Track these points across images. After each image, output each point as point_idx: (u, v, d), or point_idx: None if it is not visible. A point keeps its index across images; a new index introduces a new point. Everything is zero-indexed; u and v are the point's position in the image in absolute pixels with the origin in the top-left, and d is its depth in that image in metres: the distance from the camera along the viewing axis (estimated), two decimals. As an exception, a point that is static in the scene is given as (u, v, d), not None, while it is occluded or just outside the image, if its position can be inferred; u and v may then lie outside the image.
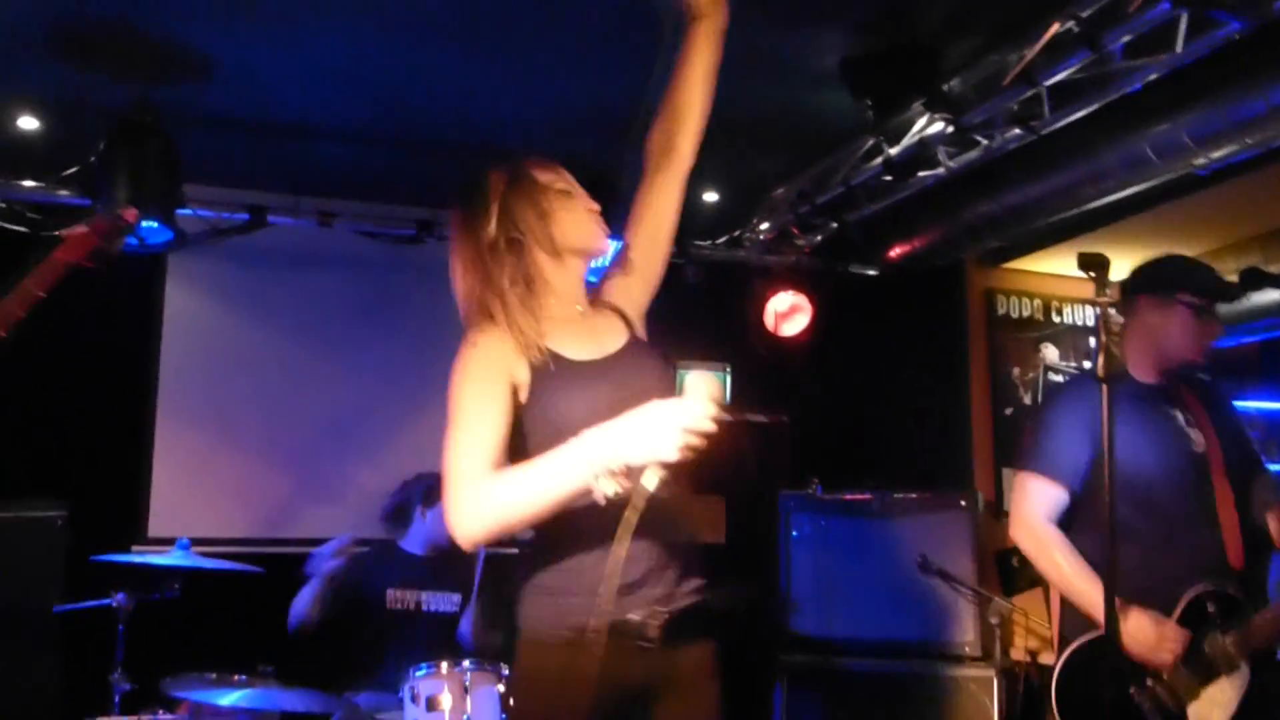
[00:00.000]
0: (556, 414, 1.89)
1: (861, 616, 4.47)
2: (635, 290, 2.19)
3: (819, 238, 5.02)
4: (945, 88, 3.72)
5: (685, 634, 1.94)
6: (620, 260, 2.21)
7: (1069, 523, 2.67)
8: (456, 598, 4.05)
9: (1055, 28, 3.29)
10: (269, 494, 4.85)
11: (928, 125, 3.88)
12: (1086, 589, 2.53)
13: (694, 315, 5.32)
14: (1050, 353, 5.38)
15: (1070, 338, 5.40)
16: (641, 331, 2.16)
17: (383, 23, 3.48)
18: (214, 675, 3.34)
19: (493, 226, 1.99)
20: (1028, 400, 5.33)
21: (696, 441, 1.68)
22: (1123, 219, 4.34)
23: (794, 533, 4.78)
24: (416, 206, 4.85)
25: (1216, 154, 3.59)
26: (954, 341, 5.34)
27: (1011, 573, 4.96)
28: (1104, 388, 2.20)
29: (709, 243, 5.17)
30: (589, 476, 1.71)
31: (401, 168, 4.68)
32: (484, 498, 1.80)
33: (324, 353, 5.00)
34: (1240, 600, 2.54)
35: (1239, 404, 4.55)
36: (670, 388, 1.99)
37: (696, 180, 4.76)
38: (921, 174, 4.14)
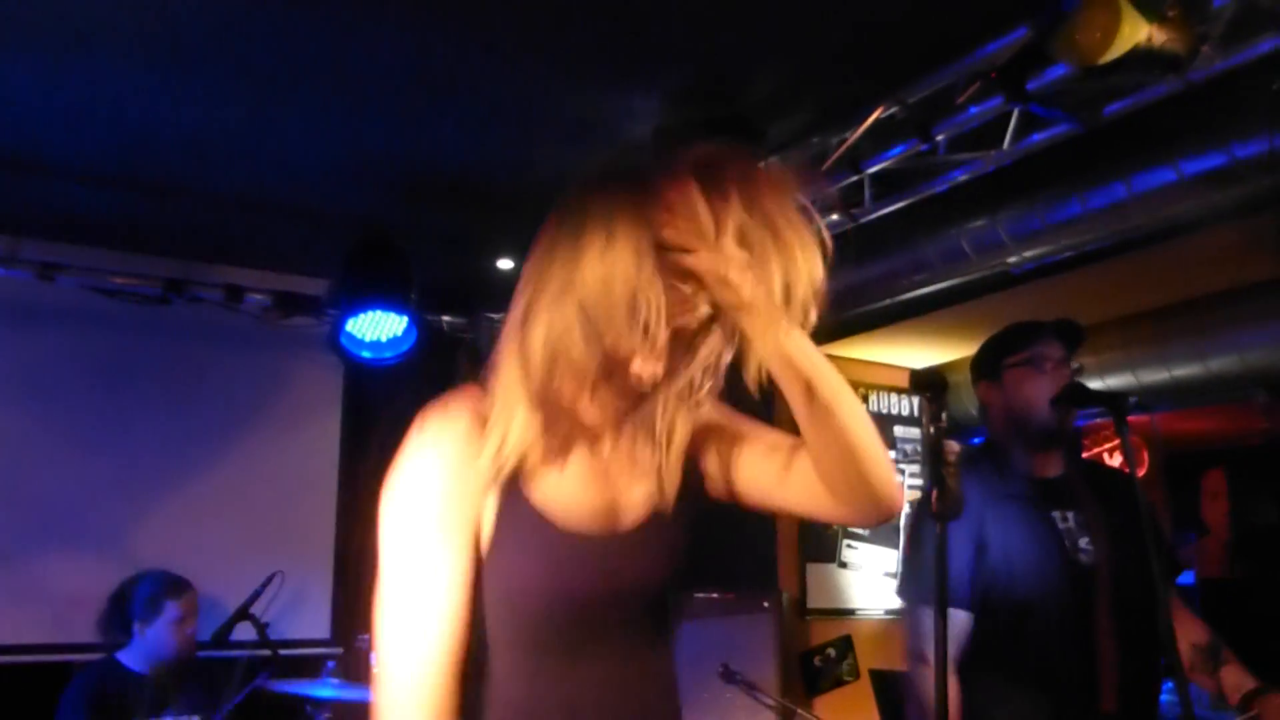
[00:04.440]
0: (509, 591, 1.27)
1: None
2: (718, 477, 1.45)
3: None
4: (763, 166, 3.48)
5: None
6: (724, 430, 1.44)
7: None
8: (195, 720, 3.47)
9: (879, 112, 3.11)
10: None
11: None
12: None
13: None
14: (856, 442, 5.22)
15: (877, 426, 5.25)
16: (671, 498, 1.39)
17: (136, 51, 2.93)
18: None
19: (543, 263, 1.26)
20: (832, 490, 5.13)
21: None
22: (932, 311, 4.22)
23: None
24: (164, 259, 4.22)
25: (1030, 253, 3.51)
26: (760, 428, 5.10)
27: (815, 674, 4.74)
28: (939, 528, 1.92)
29: (502, 315, 4.75)
30: None
31: (149, 214, 4.05)
32: None
33: (40, 428, 4.25)
34: None
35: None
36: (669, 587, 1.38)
37: (491, 247, 4.48)
38: (733, 255, 3.87)
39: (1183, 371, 4.29)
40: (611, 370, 1.23)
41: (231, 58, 2.98)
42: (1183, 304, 4.22)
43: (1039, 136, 2.92)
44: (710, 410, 1.41)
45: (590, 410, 1.28)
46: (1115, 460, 6.59)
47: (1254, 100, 2.68)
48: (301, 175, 3.75)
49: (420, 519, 1.24)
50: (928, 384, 2.73)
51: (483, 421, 1.28)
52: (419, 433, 1.27)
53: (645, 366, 1.21)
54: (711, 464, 1.43)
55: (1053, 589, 2.34)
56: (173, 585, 3.52)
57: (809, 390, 1.24)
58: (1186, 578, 6.05)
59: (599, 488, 1.35)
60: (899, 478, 1.29)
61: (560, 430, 1.31)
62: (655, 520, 1.37)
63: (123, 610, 3.49)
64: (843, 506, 1.33)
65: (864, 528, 1.21)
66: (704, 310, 1.23)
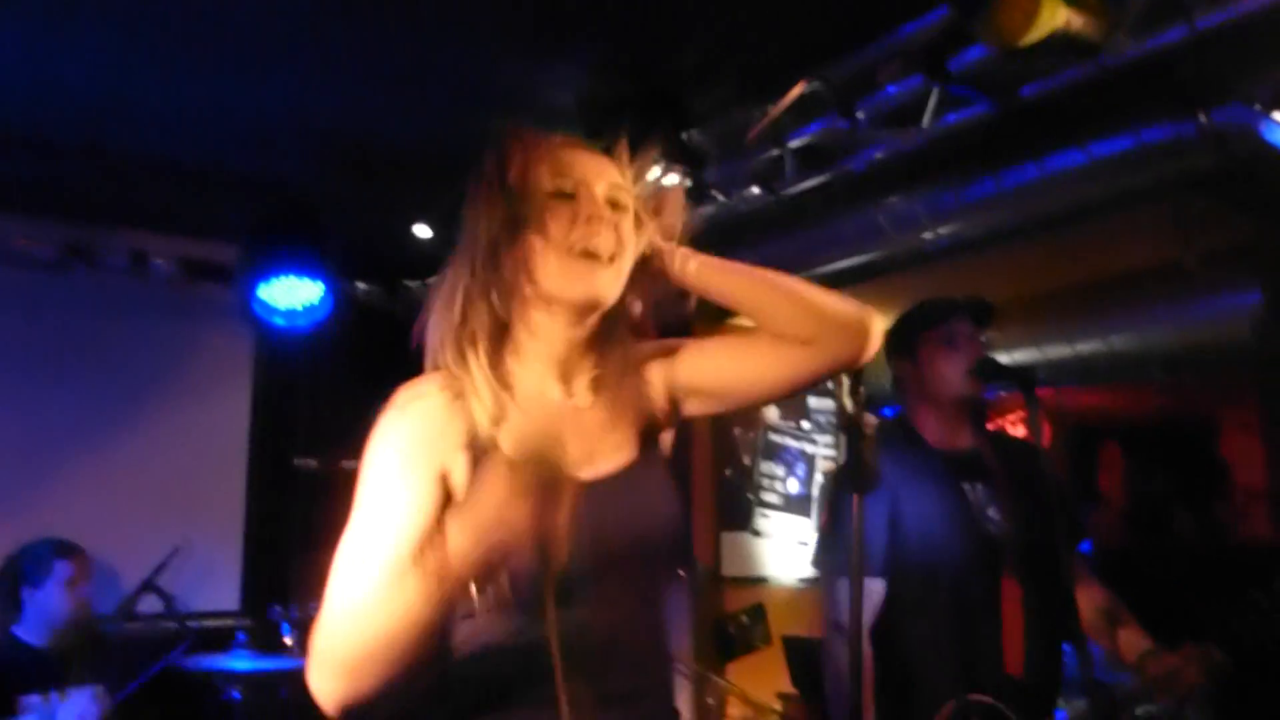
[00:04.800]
0: (484, 531, 1.23)
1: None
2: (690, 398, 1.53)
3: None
4: (685, 138, 3.48)
5: None
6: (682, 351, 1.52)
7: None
8: (95, 692, 3.35)
9: (801, 86, 3.13)
10: None
11: (662, 175, 3.63)
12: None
13: (401, 356, 4.84)
14: (771, 412, 5.29)
15: (792, 397, 5.33)
16: (666, 445, 1.51)
17: (31, 4, 2.80)
18: None
19: (468, 237, 1.40)
20: (747, 461, 5.21)
21: None
22: (848, 285, 4.28)
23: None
24: (65, 223, 4.05)
25: (945, 230, 3.58)
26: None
27: (728, 640, 4.81)
28: (856, 500, 1.95)
29: (421, 283, 4.69)
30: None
31: (48, 176, 3.88)
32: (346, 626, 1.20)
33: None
34: (1007, 715, 2.33)
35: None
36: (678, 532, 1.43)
37: (408, 211, 4.40)
38: (653, 226, 3.87)
39: (1086, 349, 4.43)
40: (561, 313, 1.37)
41: (137, 12, 2.86)
42: (1088, 284, 4.36)
43: (957, 116, 2.97)
44: (661, 342, 1.52)
45: (552, 354, 1.40)
46: (1019, 431, 6.80)
47: (1163, 88, 2.76)
48: (211, 137, 3.64)
49: (390, 459, 1.31)
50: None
51: (451, 393, 1.35)
52: (391, 404, 1.35)
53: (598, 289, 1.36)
54: (682, 379, 1.50)
55: (962, 558, 2.41)
56: (60, 546, 3.41)
57: (745, 283, 1.44)
58: (1085, 545, 6.27)
59: (575, 436, 1.37)
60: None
61: (525, 386, 1.39)
62: (637, 465, 1.42)
63: (12, 580, 3.36)
64: (822, 350, 1.43)
65: (852, 363, 1.33)
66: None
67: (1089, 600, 2.52)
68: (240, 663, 3.52)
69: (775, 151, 3.30)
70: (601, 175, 1.40)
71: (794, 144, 3.26)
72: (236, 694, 3.52)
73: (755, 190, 3.56)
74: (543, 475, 1.24)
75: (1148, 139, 2.97)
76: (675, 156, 3.44)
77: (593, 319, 1.40)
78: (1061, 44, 2.22)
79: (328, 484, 4.91)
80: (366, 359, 4.80)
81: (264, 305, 3.86)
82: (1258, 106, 2.69)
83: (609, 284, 1.37)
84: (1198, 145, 2.88)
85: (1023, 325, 4.52)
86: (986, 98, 2.80)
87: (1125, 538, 6.27)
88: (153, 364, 4.45)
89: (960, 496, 2.46)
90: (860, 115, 3.06)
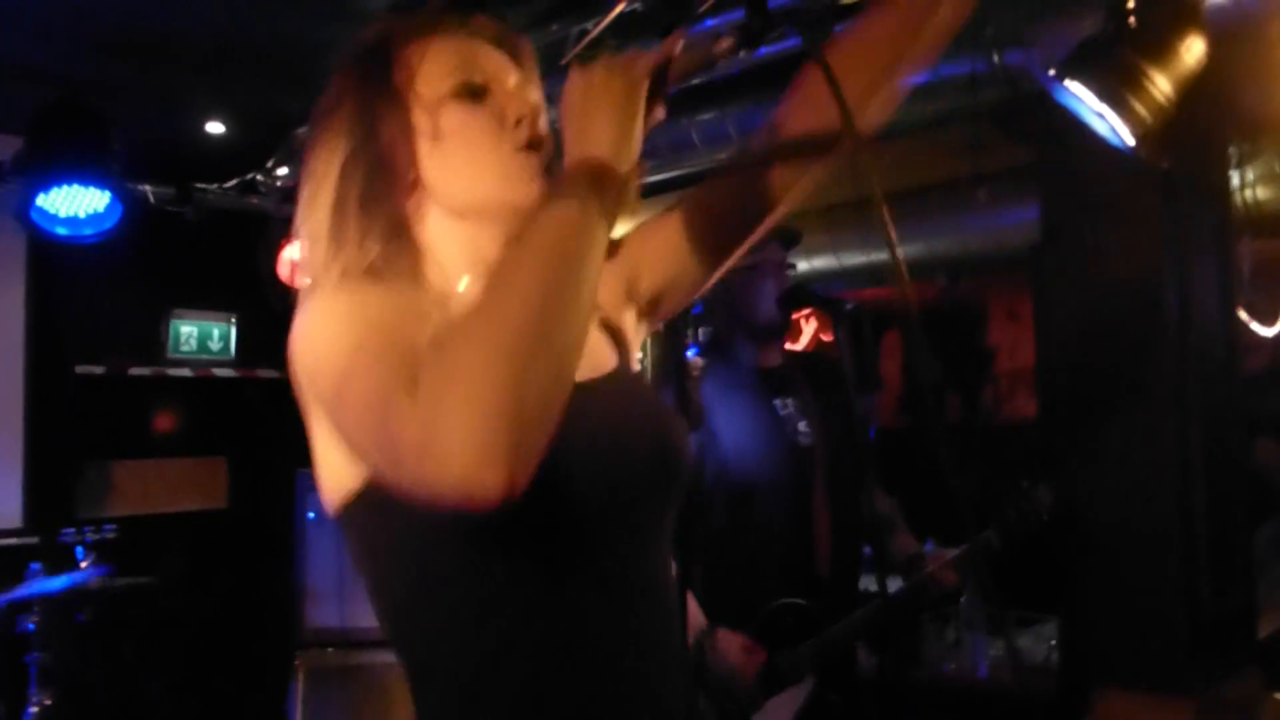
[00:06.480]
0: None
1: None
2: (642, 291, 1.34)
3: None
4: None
5: None
6: (639, 246, 1.34)
7: None
8: None
9: (621, 5, 3.10)
10: None
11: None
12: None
13: (195, 259, 4.59)
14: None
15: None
16: (635, 362, 1.32)
17: None
18: None
19: (343, 140, 1.15)
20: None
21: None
22: (660, 196, 4.32)
23: (311, 514, 4.34)
24: None
25: (755, 147, 3.67)
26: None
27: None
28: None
29: (216, 187, 4.42)
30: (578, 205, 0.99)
31: None
32: (455, 387, 0.89)
33: None
34: (819, 614, 2.54)
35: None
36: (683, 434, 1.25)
37: (199, 108, 4.12)
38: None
39: (879, 256, 4.69)
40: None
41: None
42: (883, 199, 4.57)
43: (771, 50, 3.02)
44: None
45: (480, 261, 1.18)
46: (809, 325, 7.16)
47: (964, 31, 2.90)
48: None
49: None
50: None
51: None
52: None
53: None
54: (645, 268, 1.35)
55: (775, 470, 2.59)
56: None
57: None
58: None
59: None
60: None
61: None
62: (623, 371, 1.26)
63: None
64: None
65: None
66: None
67: (876, 505, 2.79)
68: (33, 591, 3.37)
69: (594, 71, 3.27)
70: (506, 67, 1.23)
71: (612, 65, 3.24)
72: (30, 624, 3.38)
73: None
74: None
75: (945, 74, 3.13)
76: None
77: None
78: None
79: (115, 391, 4.69)
80: (154, 261, 4.53)
81: (44, 214, 3.54)
82: (1040, 55, 2.89)
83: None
84: (989, 82, 3.08)
85: (823, 234, 4.71)
86: (801, 35, 2.85)
87: (902, 419, 6.78)
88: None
89: (772, 413, 2.63)
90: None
